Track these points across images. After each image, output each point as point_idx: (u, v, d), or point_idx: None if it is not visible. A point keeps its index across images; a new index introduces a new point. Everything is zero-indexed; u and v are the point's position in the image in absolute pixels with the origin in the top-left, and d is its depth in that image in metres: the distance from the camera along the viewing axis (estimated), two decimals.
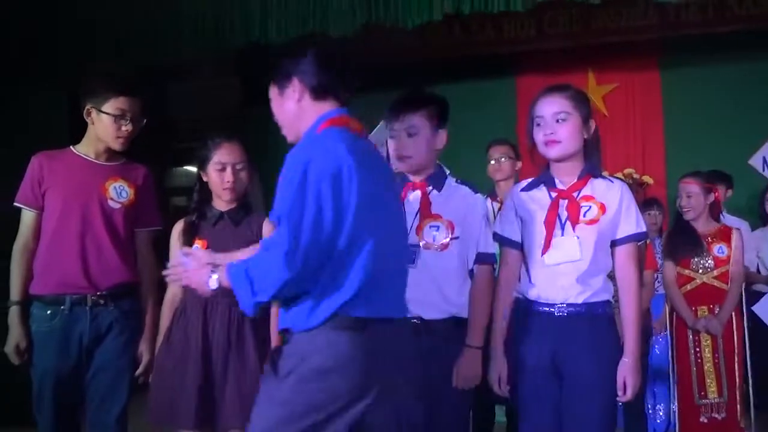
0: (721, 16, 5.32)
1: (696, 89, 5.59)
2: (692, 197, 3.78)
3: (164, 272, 2.04)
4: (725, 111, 5.50)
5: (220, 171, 2.58)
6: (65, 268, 2.56)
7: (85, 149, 2.69)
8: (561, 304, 2.24)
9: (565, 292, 2.24)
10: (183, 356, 2.51)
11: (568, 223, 2.26)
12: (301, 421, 1.76)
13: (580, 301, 2.24)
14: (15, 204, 2.64)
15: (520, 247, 2.36)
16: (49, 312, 2.56)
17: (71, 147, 2.70)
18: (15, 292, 2.60)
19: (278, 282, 1.76)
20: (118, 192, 2.66)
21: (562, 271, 2.24)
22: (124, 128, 2.61)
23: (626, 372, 2.22)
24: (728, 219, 4.30)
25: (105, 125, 2.61)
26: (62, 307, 2.55)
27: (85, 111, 2.64)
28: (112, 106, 2.59)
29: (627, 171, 5.31)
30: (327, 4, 4.60)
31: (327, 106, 1.93)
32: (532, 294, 2.29)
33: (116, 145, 2.65)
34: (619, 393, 2.22)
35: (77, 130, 2.75)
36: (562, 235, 2.26)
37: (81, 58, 4.86)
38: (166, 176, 6.83)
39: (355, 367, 1.78)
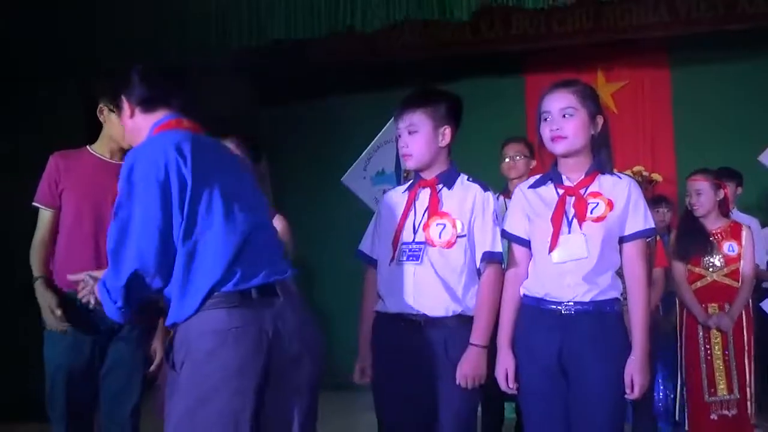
0: (731, 14, 5.29)
1: (706, 87, 5.56)
2: (702, 194, 3.77)
3: (79, 295, 2.06)
4: (735, 109, 5.47)
5: None
6: (80, 266, 2.56)
7: (100, 149, 2.73)
8: (568, 302, 2.24)
9: (572, 290, 2.24)
10: None
11: (575, 220, 2.26)
12: (205, 407, 1.79)
13: (587, 299, 2.23)
14: (33, 204, 2.68)
15: (528, 244, 2.35)
16: None
17: (87, 146, 2.74)
18: (36, 270, 2.65)
19: (119, 286, 1.82)
20: None
21: (569, 269, 2.24)
22: None
23: (634, 370, 2.21)
24: (738, 216, 4.29)
25: (115, 124, 2.63)
26: (76, 304, 2.58)
27: (98, 110, 2.67)
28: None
29: (636, 168, 5.28)
30: (337, 2, 4.60)
31: (159, 115, 2.04)
32: (539, 292, 2.29)
33: (126, 144, 2.67)
34: (627, 391, 2.21)
35: (94, 129, 2.78)
36: (569, 232, 2.26)
37: (83, 57, 4.88)
38: None
39: (239, 342, 1.81)
